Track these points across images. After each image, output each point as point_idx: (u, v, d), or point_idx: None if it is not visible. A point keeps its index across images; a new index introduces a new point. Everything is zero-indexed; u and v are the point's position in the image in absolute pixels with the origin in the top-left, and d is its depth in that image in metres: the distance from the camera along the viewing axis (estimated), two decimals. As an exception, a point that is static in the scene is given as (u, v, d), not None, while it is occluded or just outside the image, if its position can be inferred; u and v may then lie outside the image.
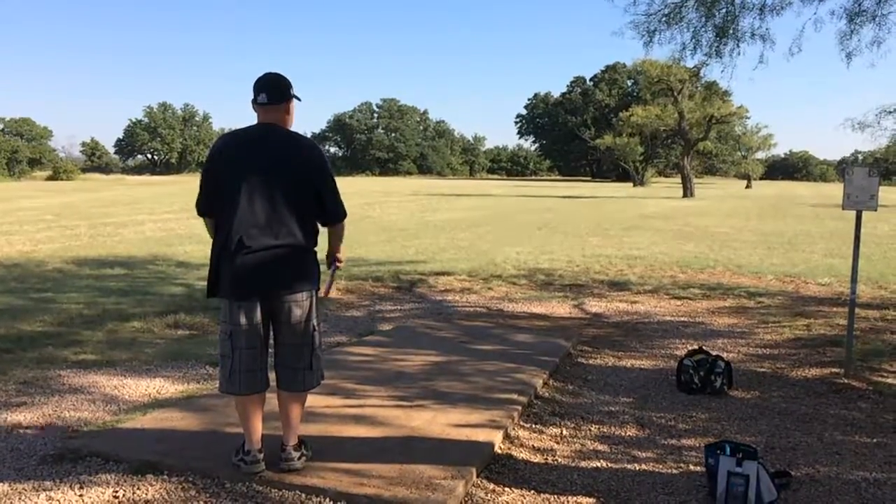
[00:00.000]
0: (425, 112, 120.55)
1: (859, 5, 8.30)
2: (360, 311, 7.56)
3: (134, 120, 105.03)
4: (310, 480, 3.22)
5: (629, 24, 9.05)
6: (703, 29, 8.48)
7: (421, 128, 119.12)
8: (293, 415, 3.43)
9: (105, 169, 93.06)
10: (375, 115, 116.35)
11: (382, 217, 21.84)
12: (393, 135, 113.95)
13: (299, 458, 3.35)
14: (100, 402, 4.44)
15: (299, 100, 3.43)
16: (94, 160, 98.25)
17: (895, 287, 9.25)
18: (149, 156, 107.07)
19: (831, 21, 8.76)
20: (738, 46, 8.64)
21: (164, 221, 18.84)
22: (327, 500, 3.09)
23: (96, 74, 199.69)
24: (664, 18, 8.56)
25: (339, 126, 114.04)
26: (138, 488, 3.18)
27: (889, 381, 5.21)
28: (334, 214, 3.57)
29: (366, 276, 9.43)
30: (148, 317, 6.76)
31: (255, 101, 3.30)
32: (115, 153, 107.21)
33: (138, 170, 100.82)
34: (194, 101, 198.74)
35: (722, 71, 9.30)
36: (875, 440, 4.06)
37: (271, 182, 3.23)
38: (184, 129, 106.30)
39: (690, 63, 9.03)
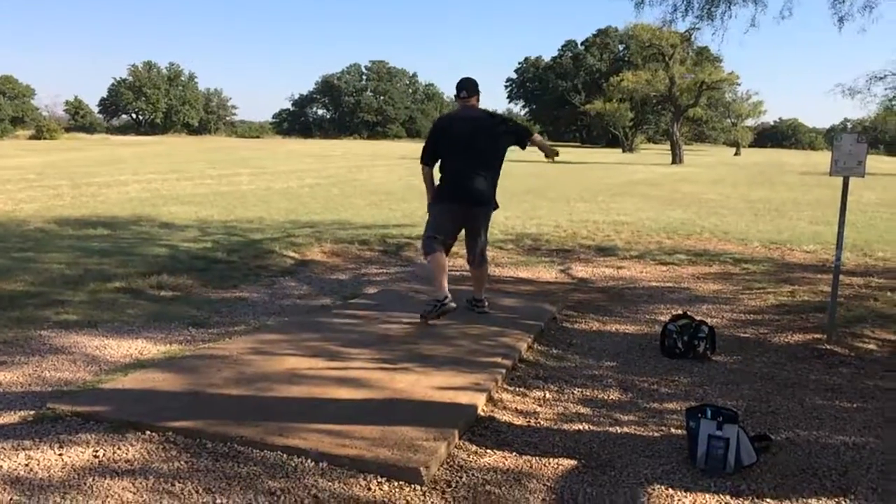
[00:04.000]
0: (414, 75, 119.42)
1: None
2: (345, 274, 7.53)
3: (118, 79, 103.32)
4: (291, 441, 3.21)
5: (621, -14, 8.91)
6: (696, -10, 8.38)
7: (410, 91, 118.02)
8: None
9: (89, 128, 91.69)
10: (364, 77, 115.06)
11: (370, 180, 21.72)
12: (382, 98, 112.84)
13: None
14: (81, 363, 4.40)
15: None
16: (77, 119, 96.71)
17: (880, 254, 9.31)
18: (133, 115, 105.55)
19: (825, -18, 8.66)
20: (729, 9, 8.58)
21: (148, 182, 18.65)
22: (309, 460, 3.08)
23: (80, 32, 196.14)
24: (656, -21, 8.43)
25: (327, 88, 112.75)
26: (119, 448, 3.16)
27: (870, 346, 5.26)
28: None
29: (352, 239, 9.39)
30: (131, 277, 6.70)
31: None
32: (100, 113, 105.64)
33: (123, 130, 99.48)
34: (180, 60, 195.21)
35: (713, 34, 9.25)
36: (855, 405, 4.10)
37: None
38: (169, 88, 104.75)
39: (682, 26, 8.95)
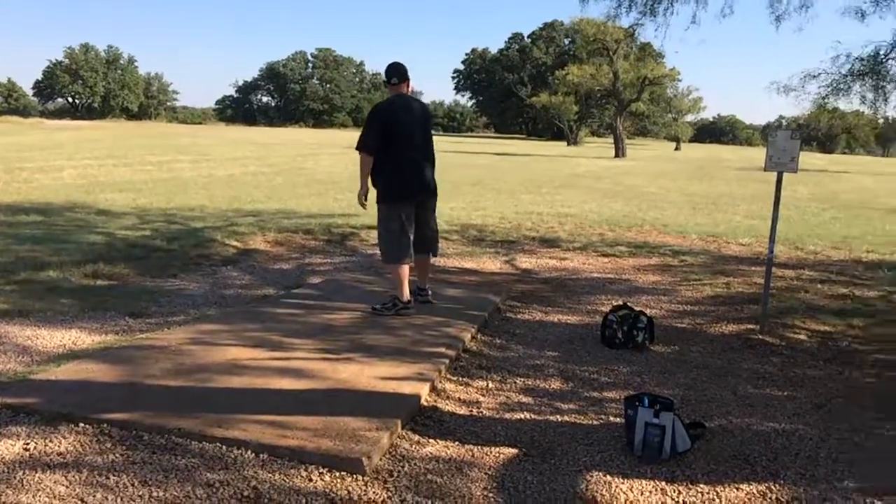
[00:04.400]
0: (361, 63, 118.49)
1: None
2: (288, 264, 7.44)
3: (54, 61, 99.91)
4: (231, 432, 3.17)
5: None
6: (639, -14, 8.51)
7: (357, 80, 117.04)
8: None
9: (23, 112, 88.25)
10: (310, 64, 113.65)
11: (315, 169, 21.50)
12: (328, 86, 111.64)
13: None
14: (11, 353, 4.26)
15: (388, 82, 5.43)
16: (10, 102, 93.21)
17: (811, 248, 9.64)
18: (70, 99, 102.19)
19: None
20: (671, 6, 8.72)
21: (84, 168, 18.07)
22: (249, 452, 3.05)
23: (13, 13, 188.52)
24: (601, -26, 8.54)
25: (272, 75, 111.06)
26: (51, 440, 3.07)
27: (801, 337, 5.45)
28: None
29: (295, 228, 9.28)
30: (65, 266, 6.50)
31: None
32: (34, 96, 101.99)
33: (58, 114, 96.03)
34: (119, 43, 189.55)
35: (656, 30, 9.38)
36: (785, 393, 4.25)
37: None
38: (107, 72, 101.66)
39: (626, 21, 9.06)
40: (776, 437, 3.59)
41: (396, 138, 5.21)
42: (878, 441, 3.58)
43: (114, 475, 2.83)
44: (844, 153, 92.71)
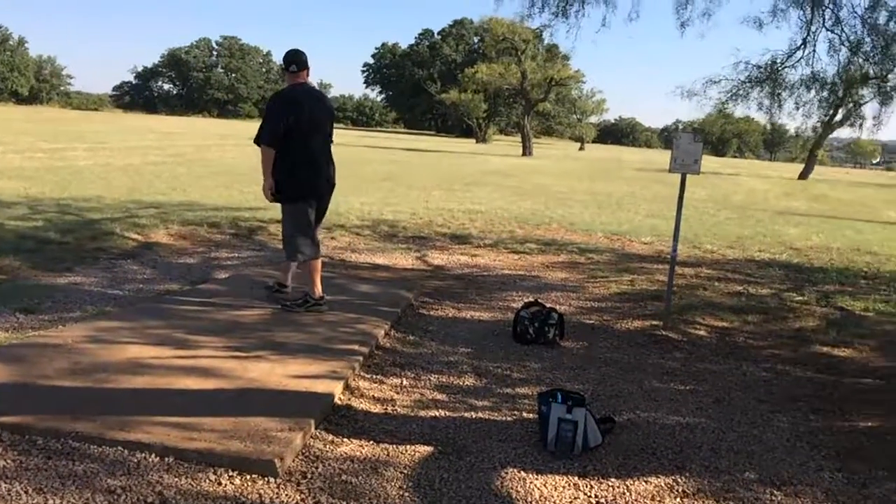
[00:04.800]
0: (268, 53, 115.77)
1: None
2: (193, 258, 7.17)
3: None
4: (134, 435, 3.02)
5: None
6: (551, -14, 8.65)
7: (264, 70, 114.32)
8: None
9: None
10: (215, 53, 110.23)
11: (220, 160, 20.86)
12: (233, 75, 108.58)
13: None
14: None
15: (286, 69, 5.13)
16: None
17: (708, 247, 10.07)
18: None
19: (669, -11, 9.18)
20: (583, 7, 8.92)
21: (-33, 154, 16.92)
22: (153, 455, 2.91)
23: None
24: (515, -27, 8.63)
25: (174, 62, 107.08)
26: (-69, 448, 2.84)
27: (701, 333, 5.67)
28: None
29: (200, 221, 8.97)
30: (-54, 258, 6.05)
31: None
32: None
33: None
34: (9, 24, 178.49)
35: (568, 31, 9.57)
36: (688, 387, 4.41)
37: None
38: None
39: (538, 21, 9.22)
40: (681, 430, 3.72)
41: (302, 131, 4.96)
42: (774, 433, 3.76)
43: (5, 482, 2.64)
44: (735, 157, 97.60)
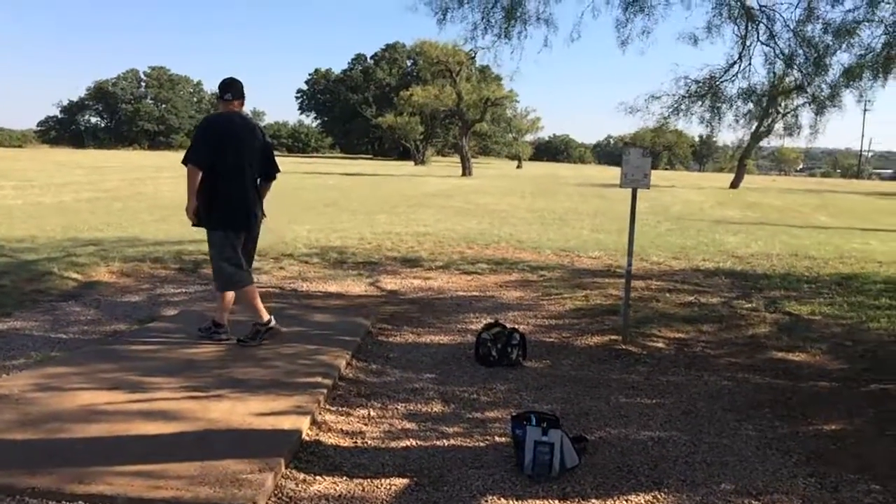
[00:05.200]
0: (199, 83, 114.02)
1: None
2: (138, 296, 6.93)
3: None
4: (95, 488, 2.86)
5: (423, 0, 9.08)
6: (493, 9, 8.74)
7: (195, 99, 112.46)
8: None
9: None
10: (143, 84, 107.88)
11: (157, 193, 20.33)
12: (163, 106, 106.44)
13: None
14: None
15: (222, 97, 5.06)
16: None
17: (654, 259, 10.24)
18: None
19: (608, 10, 9.43)
20: (525, 29, 9.02)
21: None
22: (119, 509, 2.75)
23: None
24: (457, -4, 8.69)
25: (101, 94, 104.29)
26: None
27: (659, 345, 5.73)
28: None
29: (143, 256, 8.69)
30: None
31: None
32: None
33: None
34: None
35: (511, 52, 9.65)
36: (654, 401, 4.43)
37: None
38: None
39: (482, 43, 9.28)
40: (653, 445, 3.72)
41: (227, 160, 4.86)
42: (744, 441, 3.80)
43: (-44, 552, 2.46)
44: (667, 169, 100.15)
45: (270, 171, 5.25)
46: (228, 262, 4.99)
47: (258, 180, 5.16)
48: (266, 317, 5.12)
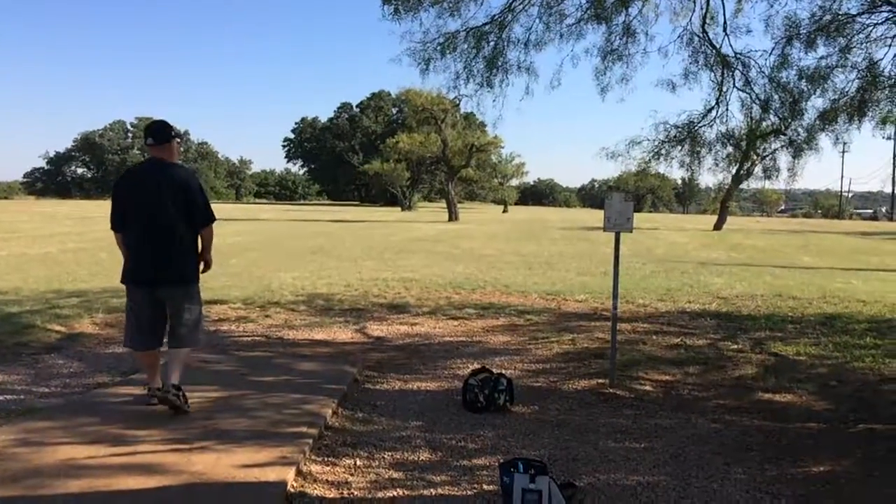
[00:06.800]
0: (186, 132, 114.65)
1: (610, 44, 9.20)
2: (122, 347, 6.85)
3: None
4: (75, 546, 2.80)
5: (406, 52, 9.24)
6: (475, 60, 8.92)
7: (182, 149, 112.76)
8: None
9: None
10: (130, 134, 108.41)
11: (142, 243, 20.23)
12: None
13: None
14: None
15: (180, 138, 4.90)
16: None
17: (640, 301, 10.28)
18: None
19: (587, 58, 9.62)
20: (507, 77, 9.19)
21: None
22: (99, 567, 2.69)
23: None
24: (439, 47, 8.86)
25: (88, 145, 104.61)
26: None
27: (647, 388, 5.73)
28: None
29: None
30: None
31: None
32: None
33: None
34: None
35: (494, 100, 9.81)
36: (642, 445, 4.41)
37: None
38: None
39: (465, 91, 9.44)
40: (642, 490, 3.69)
41: (130, 214, 4.58)
42: (734, 485, 3.78)
43: None
44: (651, 211, 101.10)
45: (191, 220, 4.66)
46: (127, 319, 4.76)
47: (179, 230, 4.61)
48: (157, 383, 4.64)
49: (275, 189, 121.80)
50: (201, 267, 4.85)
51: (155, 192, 4.54)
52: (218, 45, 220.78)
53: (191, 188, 4.65)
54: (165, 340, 4.80)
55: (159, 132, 4.74)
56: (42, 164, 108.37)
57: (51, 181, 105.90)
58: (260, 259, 15.76)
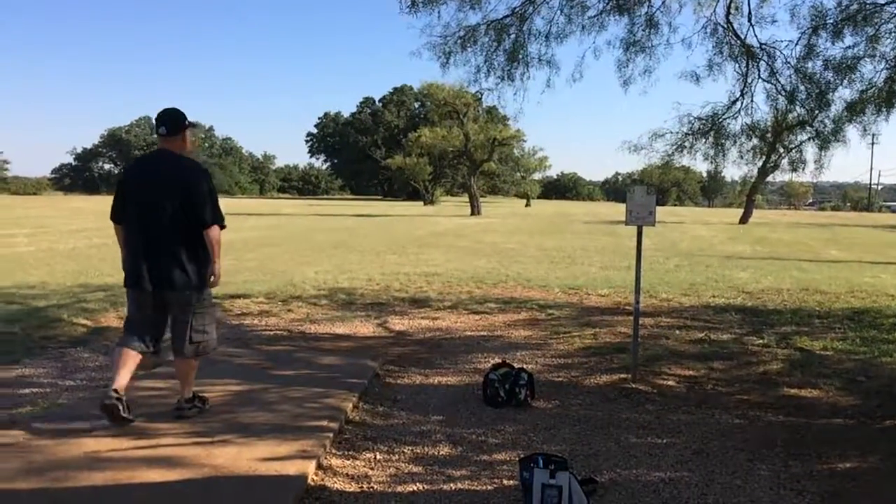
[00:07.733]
0: (211, 128, 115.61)
1: (633, 35, 9.09)
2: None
3: None
4: (98, 538, 2.83)
5: (426, 46, 9.19)
6: (496, 53, 8.86)
7: (207, 144, 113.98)
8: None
9: None
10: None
11: (167, 238, 20.45)
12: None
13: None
14: None
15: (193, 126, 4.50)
16: None
17: (664, 296, 10.19)
18: None
19: (609, 50, 9.49)
20: (527, 70, 9.11)
21: None
22: (121, 559, 2.72)
23: None
24: (459, 41, 8.81)
25: (115, 141, 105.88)
26: None
27: (669, 383, 5.67)
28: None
29: (152, 301, 8.70)
30: None
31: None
32: None
33: None
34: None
35: (515, 94, 9.72)
36: (665, 441, 4.36)
37: None
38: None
39: (486, 85, 9.37)
40: (664, 486, 3.66)
41: (132, 210, 4.27)
42: (757, 482, 3.73)
43: None
44: (676, 205, 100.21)
45: (195, 218, 4.25)
46: (126, 321, 4.48)
47: (179, 230, 4.24)
48: (115, 384, 4.13)
49: (298, 184, 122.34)
50: (211, 279, 4.40)
51: (155, 188, 4.21)
52: (242, 40, 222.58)
53: (193, 185, 4.25)
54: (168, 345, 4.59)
55: (172, 121, 4.35)
56: (70, 160, 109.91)
57: (78, 177, 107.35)
58: (283, 253, 15.85)
